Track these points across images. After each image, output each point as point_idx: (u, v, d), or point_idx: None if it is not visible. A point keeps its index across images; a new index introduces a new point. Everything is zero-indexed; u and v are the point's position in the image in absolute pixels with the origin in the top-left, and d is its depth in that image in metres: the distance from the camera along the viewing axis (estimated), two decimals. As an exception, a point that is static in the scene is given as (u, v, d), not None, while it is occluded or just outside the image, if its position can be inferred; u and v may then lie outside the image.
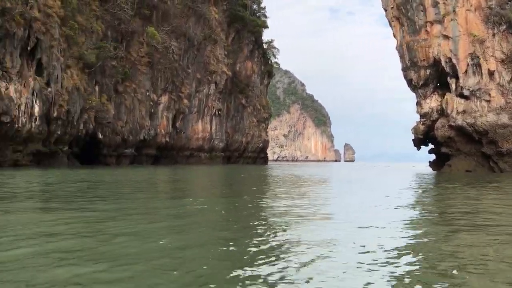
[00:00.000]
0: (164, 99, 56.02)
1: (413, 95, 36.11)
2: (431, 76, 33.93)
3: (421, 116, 35.44)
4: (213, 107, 63.73)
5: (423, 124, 35.09)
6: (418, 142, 36.82)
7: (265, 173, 32.10)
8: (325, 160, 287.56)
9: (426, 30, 32.81)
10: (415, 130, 36.54)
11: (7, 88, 33.58)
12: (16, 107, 34.01)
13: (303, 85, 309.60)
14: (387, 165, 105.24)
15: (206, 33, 62.00)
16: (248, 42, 72.26)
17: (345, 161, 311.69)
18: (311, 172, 36.55)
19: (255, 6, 76.40)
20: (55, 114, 37.69)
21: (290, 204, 9.78)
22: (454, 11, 30.97)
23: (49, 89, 37.02)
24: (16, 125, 34.35)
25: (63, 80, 38.51)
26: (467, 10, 30.26)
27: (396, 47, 35.52)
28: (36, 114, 35.96)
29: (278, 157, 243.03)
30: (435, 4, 31.96)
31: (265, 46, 79.14)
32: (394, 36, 35.22)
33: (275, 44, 79.52)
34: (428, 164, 39.35)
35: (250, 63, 73.10)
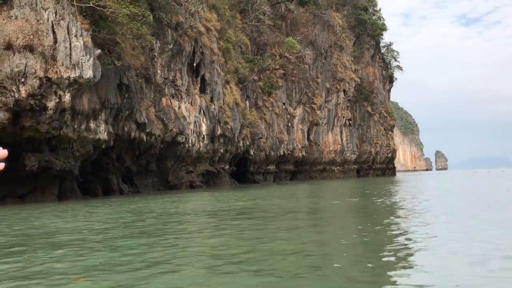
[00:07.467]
0: (298, 111, 53.24)
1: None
2: None
3: None
4: (343, 116, 59.96)
5: None
6: None
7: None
8: (415, 170, 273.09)
9: None
10: None
11: (179, 107, 32.15)
12: (188, 126, 32.46)
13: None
14: None
15: (332, 40, 58.79)
16: (369, 47, 68.11)
17: (437, 169, 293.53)
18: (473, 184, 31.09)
19: (370, 9, 72.17)
20: (219, 132, 35.85)
21: None
22: None
23: (213, 106, 35.30)
24: (187, 145, 32.76)
25: (224, 96, 36.70)
26: None
27: None
28: (204, 132, 34.31)
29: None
30: None
31: (382, 50, 74.42)
32: None
33: (393, 47, 74.39)
34: None
35: (371, 69, 68.72)
